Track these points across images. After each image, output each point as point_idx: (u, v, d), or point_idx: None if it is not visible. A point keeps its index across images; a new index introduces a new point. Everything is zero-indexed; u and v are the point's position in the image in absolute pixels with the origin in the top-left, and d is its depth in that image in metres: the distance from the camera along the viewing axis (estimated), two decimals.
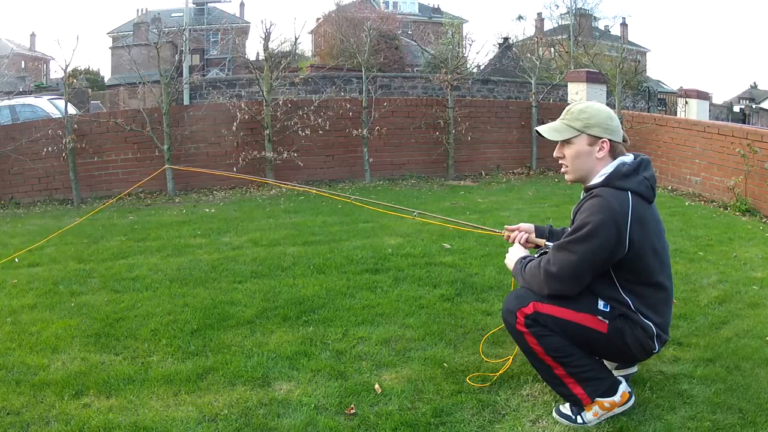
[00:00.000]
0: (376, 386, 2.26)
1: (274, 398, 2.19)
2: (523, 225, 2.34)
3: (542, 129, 2.09)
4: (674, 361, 2.50)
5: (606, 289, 1.99)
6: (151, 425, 2.02)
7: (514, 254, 2.22)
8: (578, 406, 2.02)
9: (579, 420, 2.01)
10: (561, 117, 2.08)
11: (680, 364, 2.46)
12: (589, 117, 2.00)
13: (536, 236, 2.30)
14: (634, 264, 1.94)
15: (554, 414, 2.06)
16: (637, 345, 2.00)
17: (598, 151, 2.00)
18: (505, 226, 2.38)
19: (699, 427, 2.00)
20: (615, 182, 1.94)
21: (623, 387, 2.05)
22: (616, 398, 2.02)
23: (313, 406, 2.13)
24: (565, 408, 2.05)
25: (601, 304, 1.99)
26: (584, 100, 2.09)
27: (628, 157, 2.03)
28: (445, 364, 2.44)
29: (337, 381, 2.31)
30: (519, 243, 2.29)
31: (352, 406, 2.13)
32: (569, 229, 2.04)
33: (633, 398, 2.09)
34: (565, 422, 2.02)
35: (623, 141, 2.05)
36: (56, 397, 2.20)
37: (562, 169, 2.10)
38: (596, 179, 1.99)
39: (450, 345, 2.64)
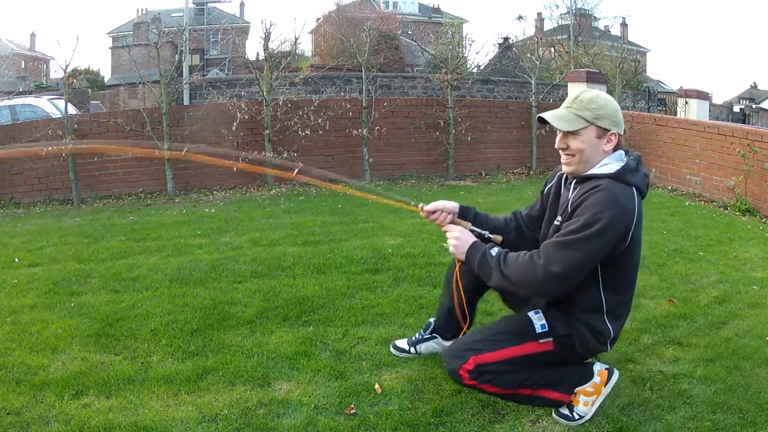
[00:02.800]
0: (376, 386, 2.26)
1: (274, 398, 2.19)
2: (447, 204, 2.19)
3: (549, 116, 1.95)
4: (674, 361, 2.50)
5: (586, 289, 1.93)
6: (151, 425, 2.02)
7: (464, 239, 2.04)
8: (567, 406, 2.02)
9: (576, 416, 2.01)
10: (568, 105, 1.95)
11: (680, 364, 2.46)
12: (599, 108, 1.89)
13: (460, 218, 2.19)
14: (625, 258, 1.91)
15: (554, 414, 2.06)
16: (584, 351, 2.01)
17: (606, 144, 1.92)
18: (422, 205, 2.20)
19: (699, 427, 2.00)
20: (626, 176, 1.87)
21: (597, 366, 2.05)
22: (596, 379, 2.02)
23: (313, 406, 2.13)
24: (564, 408, 2.05)
25: (538, 327, 1.96)
26: (588, 90, 2.00)
27: (623, 152, 1.98)
28: (445, 364, 2.44)
29: (337, 381, 2.31)
30: (443, 225, 2.16)
31: (352, 406, 2.13)
32: (562, 220, 1.94)
33: (615, 372, 2.09)
34: (566, 422, 2.02)
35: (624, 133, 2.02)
36: (56, 397, 2.20)
37: (564, 160, 1.96)
38: (598, 170, 1.90)
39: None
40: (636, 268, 1.99)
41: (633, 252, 1.92)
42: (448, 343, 2.42)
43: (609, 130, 1.91)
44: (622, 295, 1.99)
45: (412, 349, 2.50)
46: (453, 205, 2.20)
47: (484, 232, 2.15)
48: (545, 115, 1.96)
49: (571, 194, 1.96)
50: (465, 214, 2.21)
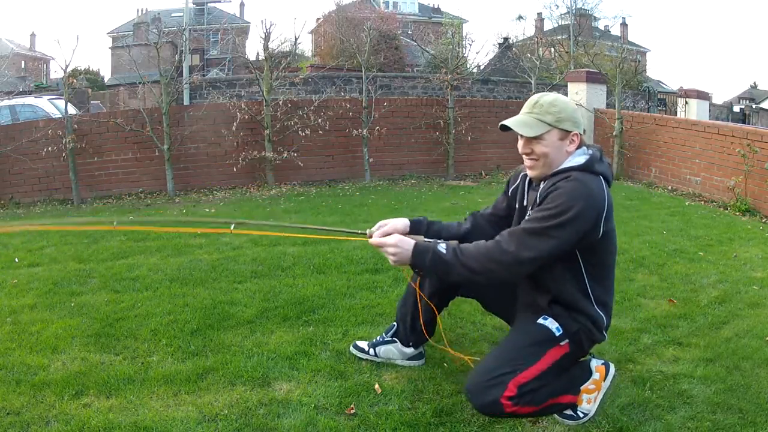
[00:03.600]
0: (376, 386, 2.26)
1: (274, 398, 2.19)
2: (398, 224, 2.12)
3: (511, 123, 1.96)
4: (674, 361, 2.50)
5: (574, 282, 1.95)
6: (151, 425, 2.02)
7: (402, 246, 1.94)
8: (573, 407, 2.02)
9: (580, 414, 2.01)
10: (528, 110, 1.97)
11: (680, 364, 2.46)
12: (560, 111, 1.93)
13: (412, 233, 2.10)
14: (603, 246, 1.93)
15: (556, 416, 2.06)
16: (590, 344, 2.03)
17: (569, 145, 1.95)
18: (369, 231, 2.09)
19: (699, 427, 2.00)
20: (593, 166, 1.91)
21: (594, 362, 2.06)
22: (595, 376, 2.03)
23: (313, 406, 2.13)
24: (567, 409, 2.05)
25: (554, 330, 1.94)
26: (546, 93, 2.03)
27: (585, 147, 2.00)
28: (445, 364, 2.44)
29: (337, 381, 2.31)
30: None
31: (352, 406, 2.13)
32: (532, 210, 1.94)
33: (612, 366, 2.09)
34: (571, 422, 2.02)
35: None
36: (56, 397, 2.20)
37: (529, 164, 1.98)
38: (567, 164, 1.93)
39: (450, 345, 2.63)
40: (614, 254, 2.03)
41: (610, 239, 1.95)
42: (407, 350, 2.41)
43: (571, 132, 1.94)
44: (605, 281, 2.01)
45: (371, 351, 2.47)
46: (403, 223, 2.14)
47: (439, 241, 2.07)
48: (508, 122, 1.97)
49: (539, 191, 1.96)
50: (417, 228, 2.16)
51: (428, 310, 2.31)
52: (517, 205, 2.14)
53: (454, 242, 1.97)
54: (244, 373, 2.37)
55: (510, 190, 2.21)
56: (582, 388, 2.01)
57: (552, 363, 1.92)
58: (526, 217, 1.96)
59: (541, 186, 1.96)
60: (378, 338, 2.49)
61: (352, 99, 8.63)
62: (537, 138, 1.94)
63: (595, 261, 1.95)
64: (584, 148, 1.97)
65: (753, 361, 2.48)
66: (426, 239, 2.05)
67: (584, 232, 1.84)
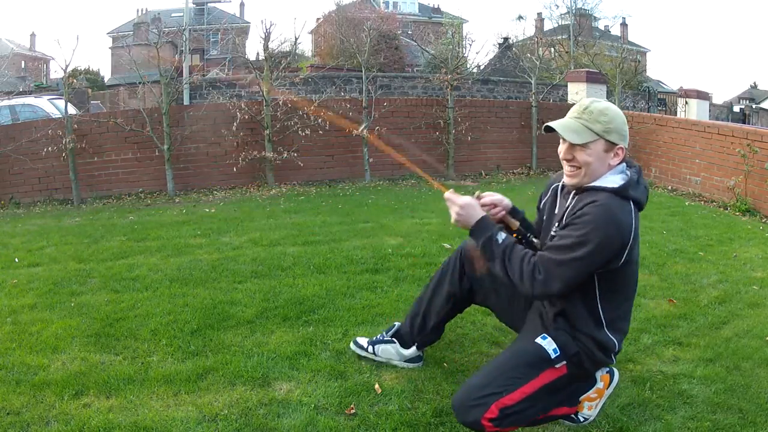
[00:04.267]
0: (376, 386, 2.26)
1: (274, 398, 2.19)
2: (504, 200, 2.14)
3: (557, 126, 1.87)
4: (674, 361, 2.50)
5: (584, 303, 1.91)
6: (151, 425, 2.02)
7: (469, 212, 1.97)
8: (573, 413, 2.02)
9: (581, 419, 2.01)
10: (577, 115, 1.88)
11: (680, 364, 2.46)
12: (610, 120, 1.83)
13: (511, 214, 2.14)
14: (623, 272, 1.87)
15: None
16: (593, 366, 1.99)
17: (613, 158, 1.86)
18: (477, 193, 2.13)
19: (699, 427, 2.01)
20: (628, 191, 1.82)
21: (599, 372, 2.04)
22: (599, 385, 2.01)
23: (313, 406, 2.13)
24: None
25: (551, 352, 1.89)
26: (597, 100, 1.94)
27: (625, 164, 1.93)
28: (445, 364, 2.44)
29: (337, 381, 2.31)
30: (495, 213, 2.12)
31: (352, 406, 2.13)
32: (559, 231, 1.90)
33: (616, 373, 2.07)
34: (570, 423, 2.01)
35: None
36: (56, 397, 2.20)
37: (569, 172, 1.89)
38: (600, 182, 1.85)
39: (450, 345, 2.64)
40: (634, 279, 1.97)
41: (631, 266, 1.90)
42: (406, 352, 2.39)
43: (617, 144, 1.86)
44: (620, 307, 1.96)
45: (370, 348, 2.46)
46: (507, 202, 2.17)
47: (528, 233, 2.13)
48: (554, 124, 1.89)
49: (569, 203, 1.92)
50: (515, 214, 2.18)
51: (442, 312, 2.31)
52: (545, 215, 2.08)
53: (512, 239, 1.95)
54: (244, 373, 2.36)
55: (541, 204, 2.15)
56: (583, 397, 1.99)
57: (542, 385, 1.88)
58: (553, 240, 1.90)
59: (571, 201, 1.90)
60: (378, 336, 2.48)
61: (352, 99, 8.64)
62: (582, 145, 1.84)
63: (613, 285, 1.90)
64: (624, 165, 1.90)
65: (753, 361, 2.48)
66: (519, 228, 2.12)
67: (608, 259, 1.80)
